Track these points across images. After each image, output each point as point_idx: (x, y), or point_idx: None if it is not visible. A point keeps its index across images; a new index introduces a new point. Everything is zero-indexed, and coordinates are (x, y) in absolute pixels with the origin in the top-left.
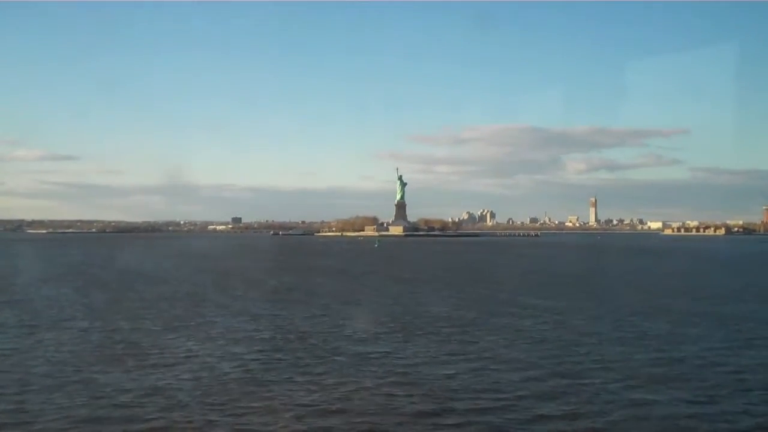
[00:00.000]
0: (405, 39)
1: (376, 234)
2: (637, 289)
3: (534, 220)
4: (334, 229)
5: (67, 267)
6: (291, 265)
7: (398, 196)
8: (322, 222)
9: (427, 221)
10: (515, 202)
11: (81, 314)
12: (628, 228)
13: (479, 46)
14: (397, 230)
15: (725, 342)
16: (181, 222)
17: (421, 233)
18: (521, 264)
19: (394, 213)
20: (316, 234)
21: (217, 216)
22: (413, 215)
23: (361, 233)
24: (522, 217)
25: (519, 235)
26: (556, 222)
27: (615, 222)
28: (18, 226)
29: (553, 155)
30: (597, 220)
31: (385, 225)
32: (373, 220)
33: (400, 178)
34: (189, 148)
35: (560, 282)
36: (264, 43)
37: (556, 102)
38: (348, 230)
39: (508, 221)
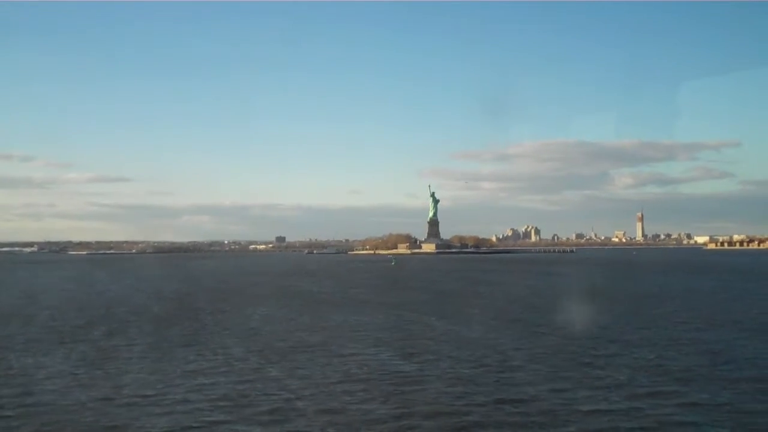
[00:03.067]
0: (449, 56)
1: (409, 251)
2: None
3: (580, 236)
4: (368, 247)
5: None
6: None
7: (431, 214)
8: (356, 241)
9: (461, 238)
10: (561, 217)
11: None
12: (674, 243)
13: (525, 60)
14: (429, 248)
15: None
16: (226, 242)
17: (454, 251)
18: (515, 285)
19: (427, 230)
20: (349, 252)
21: (263, 235)
22: (459, 231)
23: (395, 251)
24: (568, 233)
25: (554, 252)
26: (602, 237)
27: (662, 237)
28: (63, 247)
29: (601, 170)
30: (644, 235)
31: (417, 243)
32: (407, 238)
33: (432, 195)
34: (238, 168)
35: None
36: (309, 64)
37: (605, 116)
38: (381, 248)
39: (553, 237)
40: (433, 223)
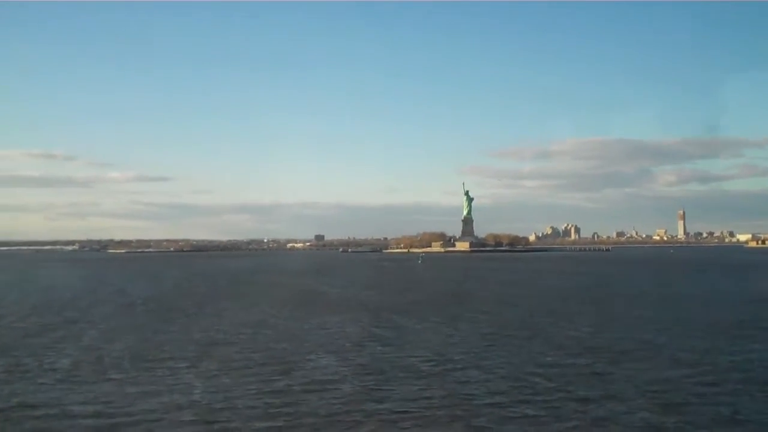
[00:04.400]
0: (490, 53)
1: (442, 250)
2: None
3: (621, 234)
4: (402, 245)
5: None
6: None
7: (465, 212)
8: (393, 239)
9: (495, 236)
10: (602, 215)
11: None
12: (716, 241)
13: (565, 57)
14: (463, 246)
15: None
16: (265, 240)
17: (488, 249)
18: (527, 285)
19: (461, 229)
20: (384, 251)
21: (302, 234)
22: (499, 229)
23: (428, 249)
24: (608, 231)
25: (589, 250)
26: (643, 236)
27: (705, 235)
28: (104, 245)
29: (642, 167)
30: (686, 233)
31: (451, 241)
32: (441, 236)
33: (467, 193)
34: (276, 167)
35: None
36: (347, 61)
37: (646, 114)
38: (416, 246)
39: (593, 236)
40: (468, 222)
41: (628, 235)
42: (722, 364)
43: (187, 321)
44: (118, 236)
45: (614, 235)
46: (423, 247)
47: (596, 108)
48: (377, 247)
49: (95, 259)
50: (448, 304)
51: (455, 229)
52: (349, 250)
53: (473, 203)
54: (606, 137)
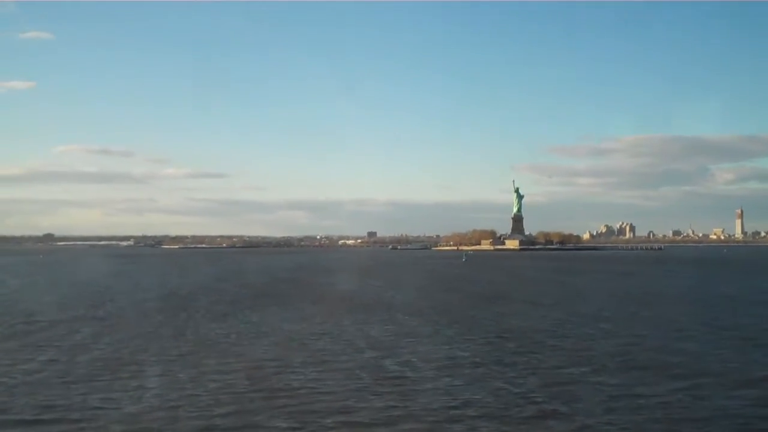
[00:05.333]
0: (546, 51)
1: (491, 248)
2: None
3: (677, 233)
4: (451, 243)
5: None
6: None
7: (515, 209)
8: (446, 236)
9: (545, 234)
10: (658, 214)
11: None
12: None
13: (619, 52)
14: (512, 244)
15: None
16: (318, 236)
17: (538, 247)
18: (559, 285)
19: (511, 226)
20: (433, 248)
21: (355, 230)
22: (554, 227)
23: (478, 247)
24: (664, 230)
25: (640, 249)
26: (700, 234)
27: (763, 234)
28: (159, 241)
29: (700, 165)
30: (744, 232)
31: (501, 239)
32: (491, 234)
33: (517, 190)
34: (332, 164)
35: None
36: (400, 57)
37: (705, 110)
38: (465, 244)
39: (649, 234)
40: (517, 219)
41: (685, 234)
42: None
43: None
44: (173, 232)
45: (670, 234)
46: (473, 244)
47: (653, 105)
48: (427, 245)
49: (146, 254)
50: (465, 307)
51: (508, 227)
52: (398, 247)
53: (524, 201)
54: (663, 134)
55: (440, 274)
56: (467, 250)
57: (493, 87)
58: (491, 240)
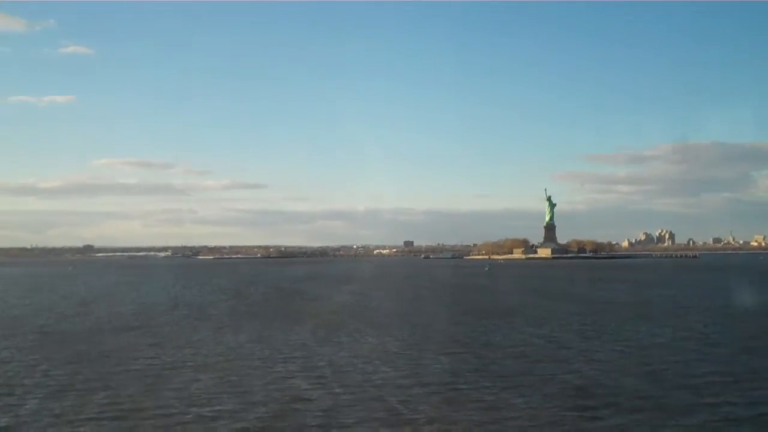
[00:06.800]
0: (583, 57)
1: (523, 256)
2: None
3: (717, 240)
4: (483, 252)
5: None
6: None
7: (547, 218)
8: (482, 245)
9: (579, 242)
10: (699, 221)
11: None
12: None
13: (660, 59)
14: (545, 252)
15: None
16: (354, 246)
17: (570, 255)
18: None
19: (543, 235)
20: (465, 257)
21: (393, 240)
22: (592, 236)
23: (509, 256)
24: (705, 237)
25: (677, 257)
26: (740, 242)
27: None
28: (196, 252)
29: (742, 172)
30: None
31: (533, 247)
32: (523, 243)
33: (548, 199)
34: (371, 175)
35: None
36: (437, 69)
37: (745, 116)
38: (497, 253)
39: (689, 242)
40: (550, 228)
41: (725, 242)
42: None
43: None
44: (212, 243)
45: (710, 241)
46: (504, 253)
47: (693, 111)
48: (460, 254)
49: (178, 264)
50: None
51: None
52: (431, 256)
53: (563, 209)
54: (703, 141)
55: (453, 284)
56: (498, 260)
57: (531, 95)
58: (523, 249)
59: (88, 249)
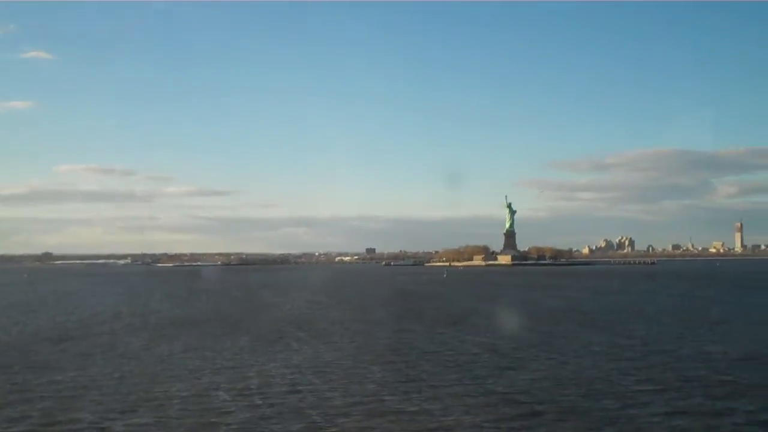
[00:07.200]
0: (546, 63)
1: (483, 263)
2: None
3: (676, 247)
4: (444, 259)
5: None
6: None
7: (507, 225)
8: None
9: (538, 249)
10: (659, 228)
11: None
12: None
13: (620, 67)
14: (505, 259)
15: None
16: (316, 253)
17: (530, 262)
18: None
19: (503, 242)
20: (425, 264)
21: (356, 247)
22: (553, 242)
23: (470, 263)
24: (664, 244)
25: (634, 263)
26: (699, 248)
27: (763, 247)
28: (156, 259)
29: (702, 179)
30: (743, 246)
31: (493, 254)
32: (483, 249)
33: (509, 206)
34: (335, 182)
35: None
36: (402, 75)
37: (705, 124)
38: (457, 260)
39: (648, 248)
40: (510, 235)
41: (684, 248)
42: None
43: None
44: (174, 250)
45: (670, 247)
46: (465, 260)
47: (654, 118)
48: (421, 261)
49: (136, 272)
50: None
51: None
52: (392, 263)
53: (525, 216)
54: (665, 148)
55: (407, 292)
56: (458, 266)
57: (494, 103)
58: (483, 256)
59: (47, 257)
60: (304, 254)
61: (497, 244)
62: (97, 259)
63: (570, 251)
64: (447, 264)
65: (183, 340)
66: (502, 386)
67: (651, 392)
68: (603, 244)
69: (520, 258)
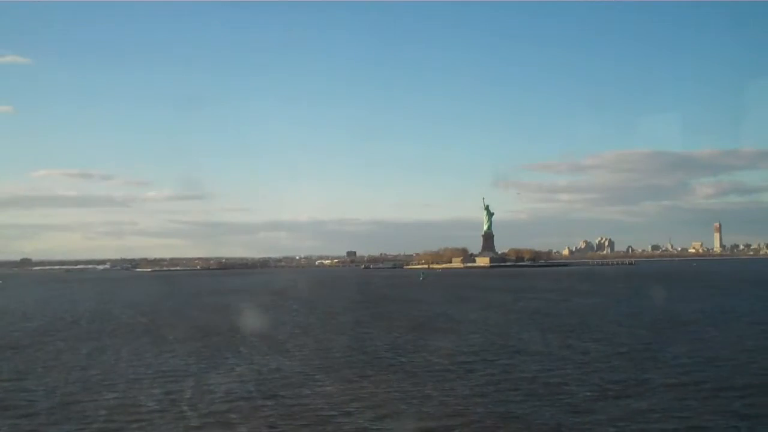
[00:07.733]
0: (524, 64)
1: (462, 265)
2: None
3: (656, 248)
4: (423, 261)
5: None
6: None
7: (485, 227)
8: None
9: (517, 251)
10: (639, 229)
11: None
12: (752, 253)
13: (595, 68)
14: (483, 261)
15: None
16: (297, 257)
17: (508, 264)
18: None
19: (481, 244)
20: (405, 266)
21: (336, 250)
22: (532, 244)
23: (449, 265)
24: (643, 245)
25: (612, 264)
26: (679, 249)
27: (742, 247)
28: (135, 264)
29: (680, 180)
30: (722, 246)
31: (472, 256)
32: (462, 252)
33: (486, 208)
34: (315, 185)
35: None
36: (381, 79)
37: (681, 125)
38: (436, 262)
39: (627, 249)
40: (488, 237)
41: (663, 249)
42: None
43: None
44: (153, 255)
45: (649, 248)
46: (444, 262)
47: (632, 119)
48: (400, 263)
49: (113, 278)
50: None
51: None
52: (371, 266)
53: (505, 217)
54: (644, 150)
55: (380, 295)
56: (437, 269)
57: (475, 104)
58: (462, 258)
59: (26, 262)
60: (285, 258)
61: (477, 246)
62: (77, 265)
63: (549, 253)
64: (426, 266)
65: (131, 349)
66: (447, 395)
67: (598, 398)
68: (583, 246)
69: (499, 260)
